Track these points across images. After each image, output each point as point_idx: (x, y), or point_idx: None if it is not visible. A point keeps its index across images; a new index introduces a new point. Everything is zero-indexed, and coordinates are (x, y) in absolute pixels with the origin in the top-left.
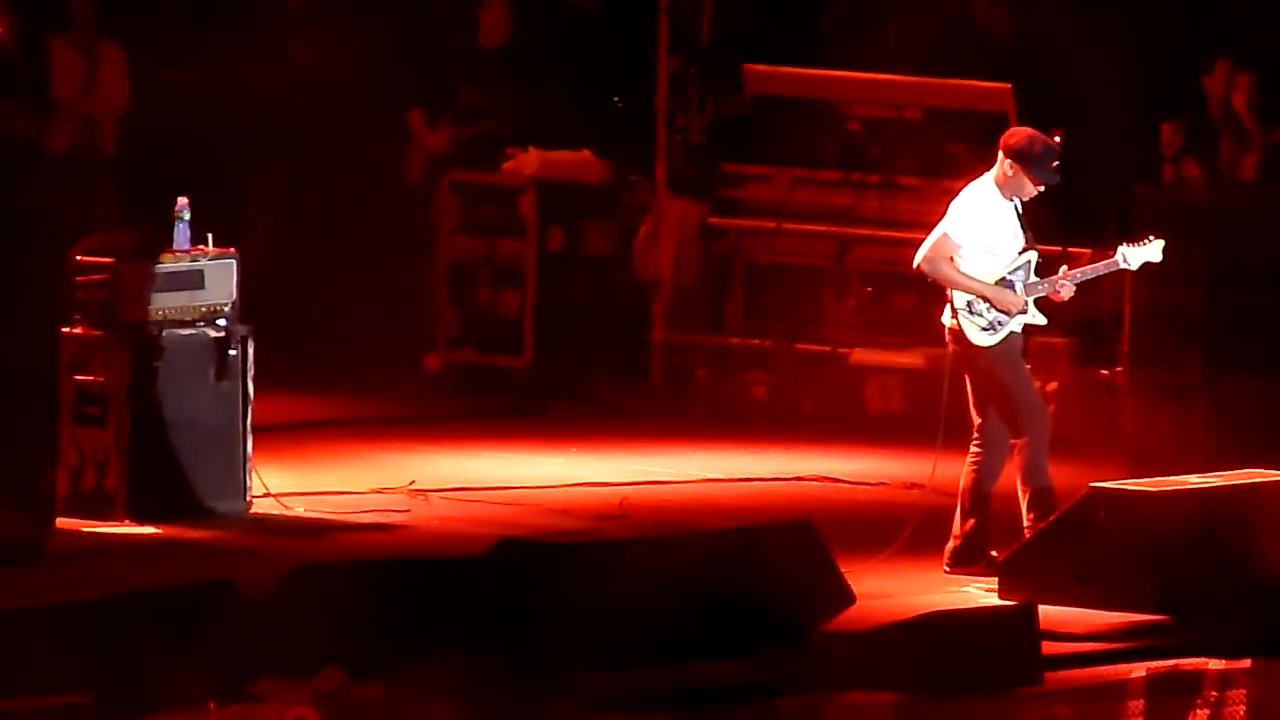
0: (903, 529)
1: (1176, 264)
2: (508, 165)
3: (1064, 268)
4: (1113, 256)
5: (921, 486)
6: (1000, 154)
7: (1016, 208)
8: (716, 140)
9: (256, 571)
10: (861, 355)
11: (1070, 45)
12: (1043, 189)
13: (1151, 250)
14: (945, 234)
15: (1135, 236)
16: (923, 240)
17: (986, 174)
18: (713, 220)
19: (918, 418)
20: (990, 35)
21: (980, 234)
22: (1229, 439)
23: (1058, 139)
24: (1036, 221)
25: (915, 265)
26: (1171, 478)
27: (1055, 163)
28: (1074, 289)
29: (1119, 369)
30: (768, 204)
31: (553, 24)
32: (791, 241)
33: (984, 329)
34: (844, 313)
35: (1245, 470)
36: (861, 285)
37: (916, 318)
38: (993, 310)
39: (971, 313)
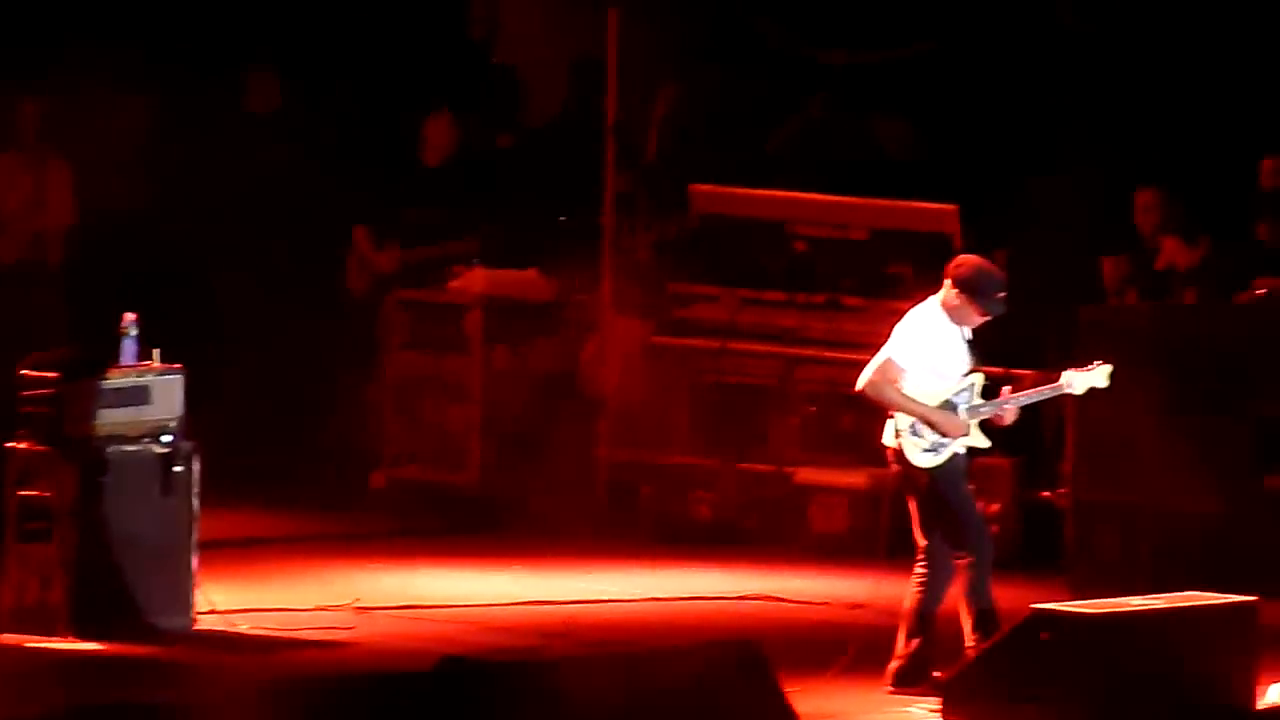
0: (846, 649)
1: (1121, 385)
2: (454, 283)
3: (1006, 389)
4: (1058, 380)
5: (865, 606)
6: (948, 281)
7: (963, 331)
8: (663, 260)
9: (202, 689)
10: (806, 475)
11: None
12: (988, 319)
13: (1097, 375)
14: (890, 358)
15: (1081, 361)
16: (867, 362)
17: (933, 298)
18: (658, 339)
19: (862, 537)
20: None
21: (926, 358)
22: (1172, 561)
23: (999, 261)
24: (980, 345)
25: (858, 388)
26: (1114, 600)
27: (1002, 294)
28: (1017, 412)
29: (1061, 490)
30: (714, 324)
31: (498, 142)
32: (737, 361)
33: (926, 450)
34: (789, 432)
35: (1188, 593)
36: (806, 405)
37: (861, 437)
38: (934, 432)
39: (914, 434)
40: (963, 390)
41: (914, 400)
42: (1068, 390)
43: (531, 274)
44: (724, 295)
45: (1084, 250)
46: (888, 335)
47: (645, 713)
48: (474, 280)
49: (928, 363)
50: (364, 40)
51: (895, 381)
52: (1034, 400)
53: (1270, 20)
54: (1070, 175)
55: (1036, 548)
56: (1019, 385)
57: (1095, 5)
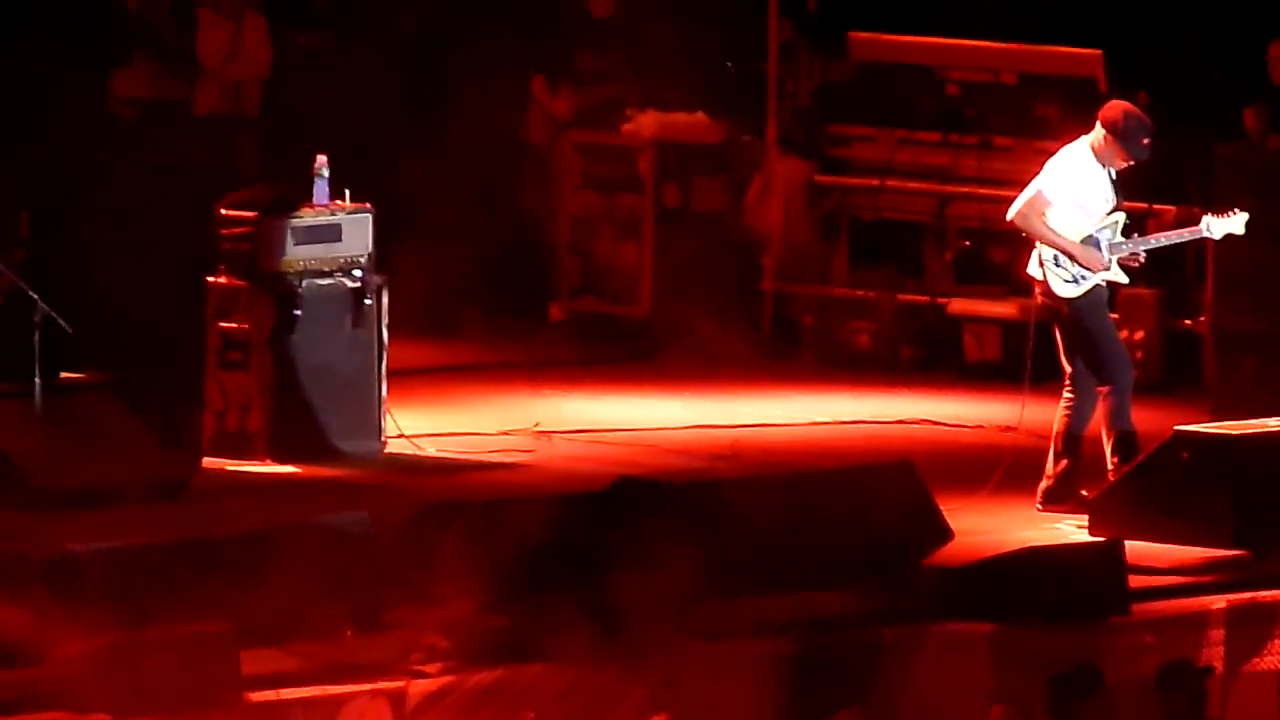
0: (998, 469)
1: (1259, 220)
2: (627, 126)
3: (1136, 235)
4: (1197, 225)
5: (1015, 429)
6: (1098, 123)
7: (1109, 171)
8: (823, 103)
9: (391, 508)
10: (959, 305)
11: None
12: (1132, 163)
13: (1235, 222)
14: (1040, 190)
15: (1220, 207)
16: (1016, 198)
17: (1084, 137)
18: (819, 178)
19: (1012, 364)
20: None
21: (1072, 193)
22: None
23: (1139, 102)
24: (1126, 181)
25: (1008, 218)
26: (1252, 421)
27: (1146, 139)
28: (1144, 255)
29: (1203, 319)
30: (871, 163)
31: None
32: (893, 198)
33: (1068, 281)
34: (943, 265)
35: None
36: (959, 239)
37: (1011, 270)
38: (1076, 265)
39: (1057, 265)
40: (1105, 227)
41: (1058, 233)
42: (1205, 235)
43: (699, 117)
44: (881, 136)
45: (1223, 97)
46: (1035, 173)
47: (808, 529)
48: (645, 123)
49: (1074, 198)
50: None
51: (1042, 213)
52: (1173, 243)
53: None
54: (1208, 24)
55: (1179, 373)
56: (1160, 222)
57: None
